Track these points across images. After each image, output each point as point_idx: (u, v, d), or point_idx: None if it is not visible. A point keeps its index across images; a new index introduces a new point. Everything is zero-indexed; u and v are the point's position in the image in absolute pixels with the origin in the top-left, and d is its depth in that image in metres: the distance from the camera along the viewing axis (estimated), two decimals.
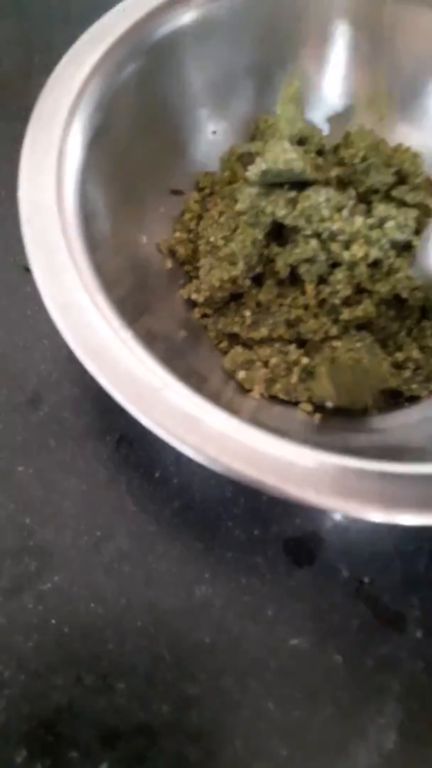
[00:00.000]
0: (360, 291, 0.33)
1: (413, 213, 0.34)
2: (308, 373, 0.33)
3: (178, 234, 0.35)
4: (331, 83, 0.41)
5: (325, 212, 0.32)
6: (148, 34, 0.33)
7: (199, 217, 0.36)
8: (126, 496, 0.32)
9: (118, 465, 0.32)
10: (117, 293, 0.26)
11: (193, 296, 0.34)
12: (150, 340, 0.27)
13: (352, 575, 0.31)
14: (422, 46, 0.39)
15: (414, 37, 0.39)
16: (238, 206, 0.33)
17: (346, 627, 0.30)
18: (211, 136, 0.39)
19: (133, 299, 0.29)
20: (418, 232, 0.34)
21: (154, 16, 0.33)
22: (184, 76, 0.36)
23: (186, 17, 0.35)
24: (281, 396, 0.32)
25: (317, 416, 0.32)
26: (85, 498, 0.32)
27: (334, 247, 0.32)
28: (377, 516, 0.22)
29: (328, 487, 0.22)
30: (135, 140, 0.34)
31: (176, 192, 0.36)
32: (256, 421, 0.29)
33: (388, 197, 0.37)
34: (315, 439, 0.29)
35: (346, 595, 0.30)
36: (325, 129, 0.42)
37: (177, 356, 0.30)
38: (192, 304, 0.34)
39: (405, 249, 0.34)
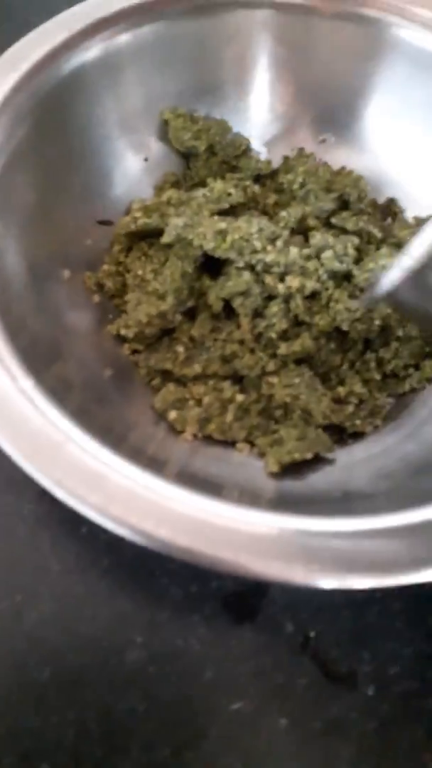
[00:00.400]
0: (298, 324, 0.32)
1: (353, 241, 0.33)
2: (245, 411, 0.31)
3: (106, 267, 0.33)
4: (263, 106, 0.40)
5: (258, 243, 0.31)
6: (55, 69, 0.32)
7: (129, 249, 0.34)
8: (50, 556, 0.29)
9: (40, 521, 0.30)
10: (23, 338, 0.24)
11: (123, 332, 0.32)
12: (64, 388, 0.24)
13: (297, 629, 0.28)
14: (354, 65, 0.38)
15: (345, 57, 0.38)
16: (164, 239, 0.31)
17: (292, 687, 0.27)
18: (143, 163, 0.37)
19: (46, 344, 0.27)
20: (359, 261, 0.33)
21: (60, 50, 0.32)
22: (100, 107, 0.34)
23: (92, 51, 0.33)
24: (216, 436, 0.30)
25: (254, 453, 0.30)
26: (4, 558, 0.29)
27: (269, 279, 0.31)
28: (322, 582, 0.20)
29: (255, 551, 0.20)
30: (54, 173, 0.32)
31: (104, 223, 0.34)
32: (187, 468, 0.27)
33: (328, 224, 0.36)
34: (251, 486, 0.27)
35: (292, 651, 0.28)
36: (264, 153, 0.41)
37: (99, 401, 0.28)
38: (122, 339, 0.32)
39: (345, 279, 0.32)
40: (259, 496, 0.26)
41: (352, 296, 0.32)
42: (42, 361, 0.25)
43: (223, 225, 0.30)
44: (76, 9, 0.34)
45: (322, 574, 0.20)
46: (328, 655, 0.28)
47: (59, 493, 0.21)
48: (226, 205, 0.32)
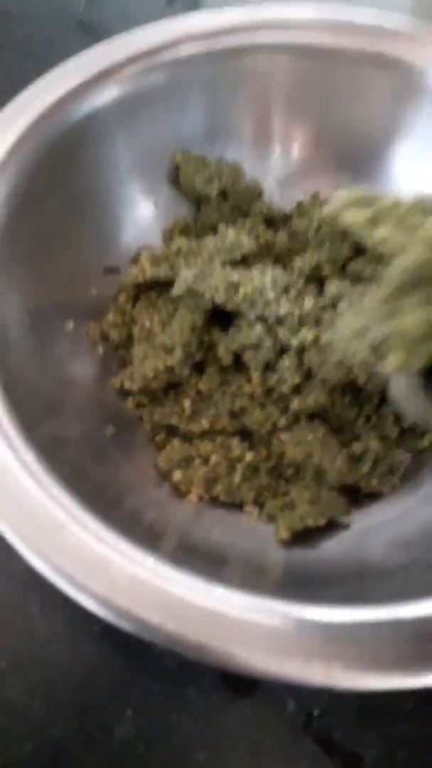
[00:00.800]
0: (310, 377, 0.30)
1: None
2: (254, 470, 0.29)
3: (111, 317, 0.32)
4: (278, 149, 0.39)
5: (271, 294, 0.30)
6: (66, 115, 0.31)
7: (135, 299, 0.33)
8: (38, 619, 0.28)
9: (30, 582, 0.28)
10: (21, 390, 0.23)
11: (127, 385, 0.31)
12: (59, 444, 0.23)
13: (299, 707, 0.26)
14: (374, 107, 0.37)
15: (365, 99, 0.37)
16: (174, 291, 0.30)
17: None
18: (154, 209, 0.36)
19: (44, 396, 0.26)
20: None
21: (72, 95, 0.31)
22: (112, 152, 0.33)
23: (106, 94, 0.32)
24: (223, 498, 0.29)
25: (262, 517, 0.28)
26: None
27: (281, 331, 0.30)
28: (344, 683, 0.18)
29: (271, 648, 0.18)
30: (61, 221, 0.31)
31: (111, 270, 0.33)
32: (188, 538, 0.25)
33: (343, 272, 0.34)
34: (258, 558, 0.25)
35: (293, 731, 0.26)
36: (276, 194, 0.40)
37: (97, 459, 0.27)
38: (125, 393, 0.31)
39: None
40: (266, 570, 0.24)
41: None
42: (38, 415, 0.24)
43: (235, 277, 0.29)
44: (89, 53, 0.34)
45: (344, 674, 0.18)
46: (332, 737, 0.26)
47: (59, 583, 0.19)
48: (237, 256, 0.31)
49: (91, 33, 0.51)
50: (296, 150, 0.39)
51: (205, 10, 0.37)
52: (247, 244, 0.31)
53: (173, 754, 0.25)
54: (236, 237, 0.31)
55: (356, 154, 0.39)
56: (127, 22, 0.50)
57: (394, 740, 0.26)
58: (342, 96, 0.37)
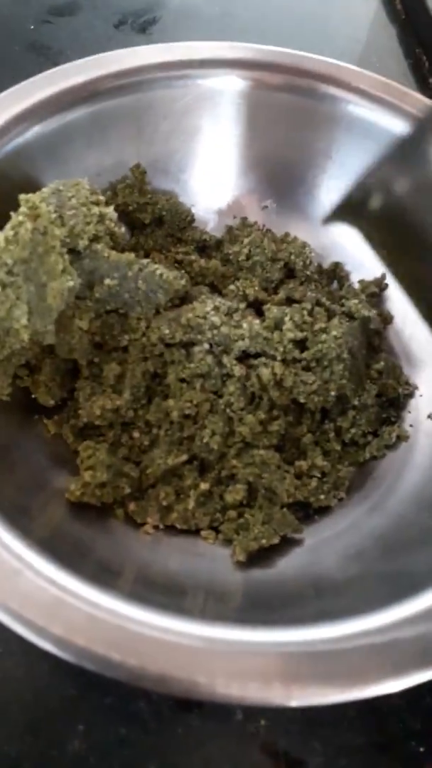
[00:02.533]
0: (254, 400, 0.31)
1: (307, 307, 0.33)
2: (207, 496, 0.30)
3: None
4: (203, 176, 0.40)
5: (215, 319, 0.30)
6: None
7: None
8: None
9: None
10: None
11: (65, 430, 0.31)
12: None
13: (247, 717, 0.27)
14: (297, 136, 0.39)
15: (289, 127, 0.39)
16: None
17: None
18: None
19: None
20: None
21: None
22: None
23: (29, 135, 0.33)
24: (179, 525, 0.29)
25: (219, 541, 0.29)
26: None
27: (226, 359, 0.30)
28: (301, 701, 0.19)
29: (222, 671, 0.19)
30: None
31: None
32: (146, 571, 0.26)
33: (276, 293, 0.36)
34: (218, 585, 0.26)
35: (241, 741, 0.26)
36: (212, 221, 0.41)
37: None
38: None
39: (298, 347, 0.32)
40: (226, 596, 0.25)
41: (306, 369, 0.32)
42: None
43: (172, 314, 0.30)
44: (9, 91, 0.34)
45: (302, 691, 0.19)
46: (278, 746, 0.26)
47: (18, 628, 0.19)
48: (177, 301, 0.32)
49: (43, 54, 0.51)
50: (221, 176, 0.40)
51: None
52: (177, 283, 0.31)
53: (124, 765, 0.25)
54: (167, 277, 0.31)
55: (280, 180, 0.41)
56: (80, 44, 0.52)
57: (337, 747, 0.26)
58: (267, 125, 0.39)
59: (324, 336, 0.32)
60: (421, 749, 0.26)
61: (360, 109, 0.38)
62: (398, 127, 0.37)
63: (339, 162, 0.39)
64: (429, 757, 0.26)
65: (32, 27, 0.53)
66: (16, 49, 0.51)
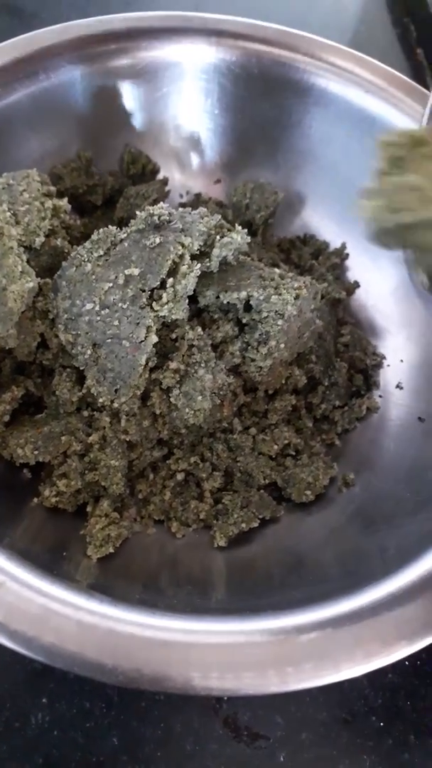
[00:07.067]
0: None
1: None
2: (183, 485, 0.29)
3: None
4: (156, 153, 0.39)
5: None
6: None
7: None
8: None
9: None
10: None
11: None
12: None
13: None
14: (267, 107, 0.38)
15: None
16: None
17: (202, 754, 0.26)
18: None
19: None
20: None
21: None
22: None
23: None
24: (156, 516, 0.29)
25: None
26: None
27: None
28: (299, 685, 0.19)
29: (215, 665, 0.19)
30: None
31: None
32: (130, 563, 0.25)
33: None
34: (201, 571, 0.26)
35: (202, 715, 0.27)
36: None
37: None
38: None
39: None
40: (209, 583, 0.25)
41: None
42: None
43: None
44: None
45: (297, 676, 0.19)
46: (241, 720, 0.27)
47: (5, 641, 0.18)
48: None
49: (17, 16, 0.49)
50: (174, 152, 0.39)
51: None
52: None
53: (87, 738, 0.26)
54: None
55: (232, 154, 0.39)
56: (56, 5, 0.48)
57: (299, 722, 0.27)
58: (224, 96, 0.38)
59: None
60: (382, 724, 0.27)
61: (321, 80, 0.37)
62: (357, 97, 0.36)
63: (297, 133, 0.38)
64: (389, 731, 0.27)
65: None
66: None
